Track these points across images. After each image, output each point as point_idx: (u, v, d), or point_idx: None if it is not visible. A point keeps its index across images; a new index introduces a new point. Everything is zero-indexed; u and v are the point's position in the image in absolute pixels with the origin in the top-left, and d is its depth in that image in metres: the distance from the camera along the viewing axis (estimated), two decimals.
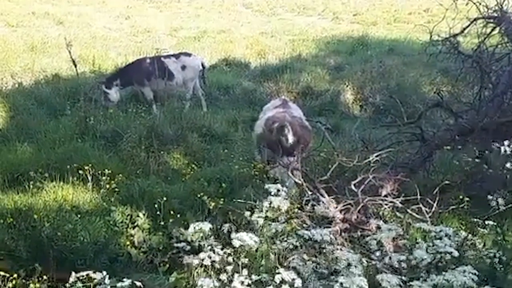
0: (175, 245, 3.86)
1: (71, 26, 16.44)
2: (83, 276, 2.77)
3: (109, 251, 5.02)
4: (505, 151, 3.28)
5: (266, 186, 3.57)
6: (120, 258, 4.97)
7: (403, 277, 2.99)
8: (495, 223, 3.76)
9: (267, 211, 3.27)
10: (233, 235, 3.09)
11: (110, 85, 9.59)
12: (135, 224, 5.54)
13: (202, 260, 3.06)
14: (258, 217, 3.32)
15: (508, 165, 3.32)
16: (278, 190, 3.39)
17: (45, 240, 4.89)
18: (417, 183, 5.09)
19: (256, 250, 3.26)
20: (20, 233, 5.07)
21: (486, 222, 3.82)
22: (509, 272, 3.40)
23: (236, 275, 2.80)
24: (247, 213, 3.54)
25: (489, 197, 3.45)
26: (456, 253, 3.15)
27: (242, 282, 2.70)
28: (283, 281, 2.65)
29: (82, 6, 21.03)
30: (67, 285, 2.89)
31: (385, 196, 4.99)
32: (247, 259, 3.15)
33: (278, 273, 2.72)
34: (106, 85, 9.58)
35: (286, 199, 3.34)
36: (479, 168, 5.64)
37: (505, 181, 4.19)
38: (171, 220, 5.36)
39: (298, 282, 2.65)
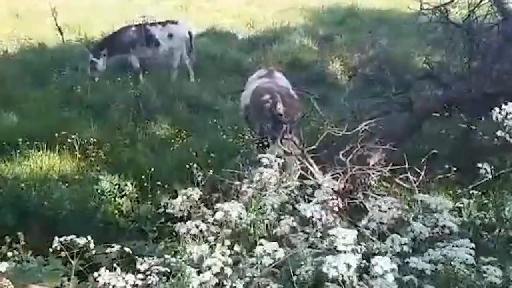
0: (167, 211, 3.81)
1: None
2: (66, 240, 2.72)
3: (97, 220, 5.00)
4: (497, 118, 3.26)
5: (259, 156, 3.53)
6: (108, 226, 4.95)
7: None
8: (479, 192, 3.78)
9: (258, 181, 3.24)
10: (216, 205, 3.05)
11: (98, 54, 9.46)
12: (123, 193, 5.54)
13: (190, 229, 3.03)
14: (248, 187, 3.30)
15: (498, 132, 3.32)
16: (270, 161, 3.36)
17: (31, 209, 4.87)
18: (405, 153, 5.08)
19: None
20: (5, 201, 5.03)
21: (471, 192, 3.84)
22: (494, 239, 3.43)
23: (218, 245, 2.77)
24: (237, 183, 3.51)
25: (479, 164, 3.44)
26: (455, 228, 3.12)
27: (223, 253, 2.68)
28: (264, 253, 2.62)
29: None
30: (50, 249, 2.84)
31: (373, 165, 5.00)
32: (230, 230, 3.13)
33: (261, 244, 2.70)
34: (94, 54, 9.44)
35: (277, 171, 3.31)
36: (466, 138, 5.66)
37: (495, 149, 4.20)
38: (158, 190, 5.34)
39: (280, 253, 2.62)
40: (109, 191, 5.43)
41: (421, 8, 7.05)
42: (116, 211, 5.17)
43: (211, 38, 12.95)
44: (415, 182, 4.34)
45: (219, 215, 2.94)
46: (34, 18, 13.30)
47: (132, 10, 14.20)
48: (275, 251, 2.61)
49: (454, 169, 4.84)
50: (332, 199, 3.30)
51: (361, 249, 2.54)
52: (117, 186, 5.53)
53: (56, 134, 6.26)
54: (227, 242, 2.78)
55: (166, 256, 2.86)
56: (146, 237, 4.76)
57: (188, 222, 3.00)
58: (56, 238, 2.71)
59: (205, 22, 13.92)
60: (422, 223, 3.08)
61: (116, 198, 5.39)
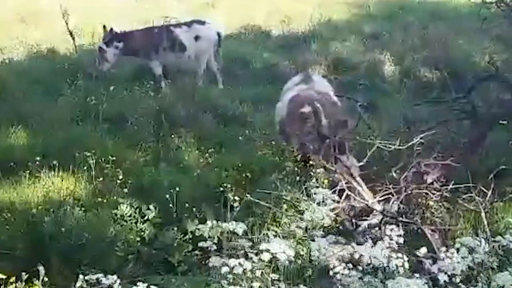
0: (199, 244, 3.88)
1: None
2: (92, 279, 2.83)
3: (117, 248, 5.11)
4: None
5: (313, 190, 3.57)
6: (130, 256, 5.05)
7: None
8: None
9: (309, 221, 3.30)
10: (262, 246, 3.09)
11: (110, 43, 9.67)
12: (145, 218, 5.65)
13: (232, 268, 3.05)
14: (297, 227, 3.35)
15: None
16: (325, 198, 3.39)
17: (46, 238, 5.01)
18: (468, 169, 5.07)
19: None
20: (18, 230, 5.19)
21: None
22: None
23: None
24: (276, 209, 3.57)
25: None
26: None
27: None
28: None
29: None
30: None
31: (431, 183, 5.00)
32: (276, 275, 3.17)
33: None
34: (105, 41, 9.65)
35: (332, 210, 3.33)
36: None
37: None
38: (185, 214, 5.44)
39: None
40: (130, 216, 5.55)
41: (483, 1, 7.02)
42: (138, 238, 5.27)
43: (241, 38, 13.12)
44: (481, 204, 4.31)
45: (266, 257, 2.99)
46: (42, 22, 13.69)
47: (153, 10, 14.53)
48: None
49: None
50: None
51: None
52: (138, 210, 5.65)
53: (69, 153, 6.43)
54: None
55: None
56: (173, 269, 4.86)
57: (231, 260, 3.04)
58: (81, 276, 2.82)
59: (235, 20, 14.10)
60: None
61: (138, 224, 5.50)
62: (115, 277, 2.91)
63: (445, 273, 3.20)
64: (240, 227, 3.66)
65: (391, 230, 3.59)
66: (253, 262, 3.06)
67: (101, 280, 2.84)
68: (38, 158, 6.40)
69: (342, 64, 10.81)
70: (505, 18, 7.26)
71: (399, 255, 3.28)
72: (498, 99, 7.14)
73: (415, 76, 9.91)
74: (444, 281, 3.19)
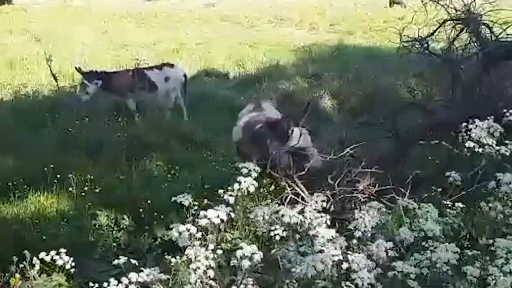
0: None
1: (49, 42, 16.53)
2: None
3: (96, 252, 5.17)
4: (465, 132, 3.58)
5: (239, 165, 3.75)
6: (108, 259, 5.10)
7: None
8: (464, 205, 4.00)
9: (238, 189, 3.46)
10: (200, 213, 3.24)
11: (91, 79, 9.74)
12: (121, 227, 5.73)
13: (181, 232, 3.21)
14: (230, 195, 3.51)
15: (467, 144, 3.60)
16: (250, 170, 3.57)
17: (30, 244, 5.01)
18: (391, 178, 5.31)
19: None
20: (5, 242, 5.18)
21: (456, 205, 4.05)
22: (477, 247, 3.63)
23: (202, 249, 2.99)
24: (221, 191, 3.72)
25: (447, 173, 3.70)
26: (438, 231, 3.33)
27: (207, 257, 2.90)
28: (243, 256, 2.83)
29: (59, 22, 21.12)
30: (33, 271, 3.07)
31: (362, 190, 5.23)
32: (213, 235, 3.34)
33: (241, 248, 2.91)
34: (87, 78, 9.73)
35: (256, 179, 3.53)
36: (451, 161, 5.89)
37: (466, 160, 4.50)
38: (155, 222, 5.54)
39: (258, 256, 2.84)
40: (107, 225, 5.61)
41: (401, 41, 7.39)
42: (114, 244, 5.34)
43: (203, 79, 13.34)
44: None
45: (203, 221, 3.14)
46: (28, 67, 13.68)
47: (127, 54, 14.68)
48: (254, 253, 2.83)
49: (439, 189, 5.06)
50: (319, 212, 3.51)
51: (341, 247, 2.74)
52: (114, 221, 5.72)
53: (53, 175, 6.47)
54: (211, 246, 3.00)
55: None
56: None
57: (180, 226, 3.18)
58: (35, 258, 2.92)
59: (197, 63, 14.36)
60: (408, 228, 3.29)
61: (114, 232, 5.56)
62: (67, 258, 3.03)
63: (359, 229, 3.41)
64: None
65: (317, 196, 3.80)
66: (199, 226, 3.19)
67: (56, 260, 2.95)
68: (24, 181, 6.47)
69: (290, 99, 11.04)
70: (420, 55, 7.62)
71: (322, 214, 3.47)
72: (418, 122, 7.46)
73: (349, 106, 10.24)
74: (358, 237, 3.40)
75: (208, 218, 3.11)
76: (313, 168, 5.41)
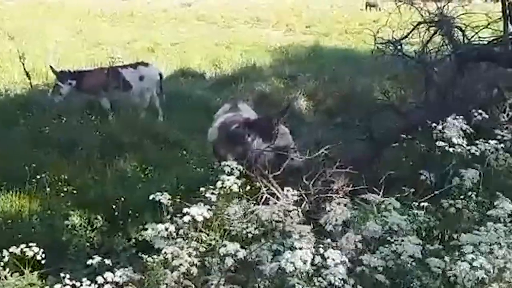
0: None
1: (22, 40, 16.31)
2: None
3: (69, 253, 5.11)
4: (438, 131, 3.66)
5: (222, 163, 3.77)
6: (81, 259, 5.05)
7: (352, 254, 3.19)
8: (429, 204, 4.08)
9: (220, 188, 3.48)
10: (184, 210, 3.26)
11: (65, 80, 9.61)
12: (94, 227, 5.67)
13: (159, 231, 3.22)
14: (212, 193, 3.53)
15: (437, 143, 3.70)
16: (232, 169, 3.59)
17: (2, 244, 4.94)
18: (365, 178, 5.37)
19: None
20: None
21: (422, 204, 4.13)
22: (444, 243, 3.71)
23: (183, 248, 3.00)
24: (202, 189, 3.73)
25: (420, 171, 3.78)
26: (404, 224, 3.39)
27: (190, 254, 2.91)
28: (227, 254, 2.86)
29: (33, 20, 20.85)
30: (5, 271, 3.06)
31: (336, 190, 5.27)
32: (196, 232, 3.36)
33: (224, 245, 2.93)
34: (60, 78, 9.60)
35: (239, 178, 3.55)
36: (424, 162, 5.98)
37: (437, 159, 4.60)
38: (129, 221, 5.50)
39: (241, 254, 2.86)
40: (80, 225, 5.55)
41: (375, 43, 7.48)
42: (87, 244, 5.29)
43: (179, 79, 13.30)
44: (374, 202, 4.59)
45: (186, 218, 3.14)
46: (1, 65, 13.47)
47: (101, 53, 14.55)
48: (237, 251, 2.84)
49: (412, 190, 5.14)
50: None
51: (315, 245, 2.78)
52: (87, 220, 5.66)
53: (26, 174, 6.38)
54: (193, 244, 3.00)
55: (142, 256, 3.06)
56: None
57: (159, 225, 3.18)
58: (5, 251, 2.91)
59: (173, 63, 14.31)
60: (374, 221, 3.35)
61: (87, 232, 5.51)
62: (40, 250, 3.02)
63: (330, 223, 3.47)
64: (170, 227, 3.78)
65: (288, 191, 3.85)
66: (177, 224, 3.20)
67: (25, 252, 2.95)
68: None
69: (266, 99, 11.07)
70: (395, 58, 7.72)
71: (294, 208, 3.52)
72: (392, 124, 7.55)
73: (325, 108, 10.31)
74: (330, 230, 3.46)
75: (191, 216, 3.12)
76: (291, 166, 5.44)
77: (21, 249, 3.01)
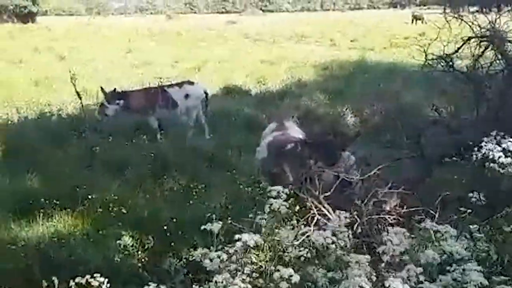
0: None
1: (73, 61, 16.81)
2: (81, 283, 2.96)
3: (122, 273, 5.15)
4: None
5: (268, 188, 3.74)
6: (133, 279, 5.09)
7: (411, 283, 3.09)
8: (489, 227, 3.92)
9: (268, 212, 3.46)
10: (235, 237, 3.24)
11: (112, 101, 9.82)
12: (146, 247, 5.71)
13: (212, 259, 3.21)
14: (261, 218, 3.51)
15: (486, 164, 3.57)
16: (279, 192, 3.56)
17: (56, 264, 5.04)
18: (419, 198, 5.23)
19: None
20: (34, 261, 5.20)
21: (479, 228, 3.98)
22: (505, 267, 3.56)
23: (238, 273, 2.98)
24: (251, 215, 3.71)
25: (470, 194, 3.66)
26: (464, 252, 3.27)
27: (243, 280, 2.89)
28: (281, 278, 2.83)
29: (84, 41, 21.49)
30: None
31: (389, 211, 5.14)
32: (248, 258, 3.32)
33: (278, 270, 2.90)
34: (107, 99, 9.81)
35: (286, 200, 3.52)
36: (478, 180, 5.79)
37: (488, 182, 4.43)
38: (179, 242, 5.51)
39: (296, 278, 2.83)
40: (132, 246, 5.60)
41: (426, 59, 7.34)
42: (139, 265, 5.32)
43: (225, 96, 13.40)
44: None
45: (238, 244, 3.13)
46: (53, 86, 13.90)
47: (149, 72, 14.83)
48: (291, 276, 2.81)
49: (469, 210, 4.97)
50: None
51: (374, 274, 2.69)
52: (139, 241, 5.71)
53: (79, 194, 6.51)
54: (247, 270, 2.98)
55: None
56: None
57: (212, 253, 3.17)
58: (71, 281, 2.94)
59: (219, 81, 14.43)
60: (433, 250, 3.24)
61: (139, 252, 5.55)
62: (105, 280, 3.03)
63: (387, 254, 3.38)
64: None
65: (340, 213, 3.80)
66: (228, 253, 3.18)
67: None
68: (50, 199, 6.52)
69: (311, 115, 11.01)
70: (445, 73, 7.55)
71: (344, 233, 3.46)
72: (442, 141, 7.36)
73: (372, 123, 10.16)
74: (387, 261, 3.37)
75: (243, 242, 3.10)
76: (351, 195, 5.32)
77: (87, 279, 3.03)
